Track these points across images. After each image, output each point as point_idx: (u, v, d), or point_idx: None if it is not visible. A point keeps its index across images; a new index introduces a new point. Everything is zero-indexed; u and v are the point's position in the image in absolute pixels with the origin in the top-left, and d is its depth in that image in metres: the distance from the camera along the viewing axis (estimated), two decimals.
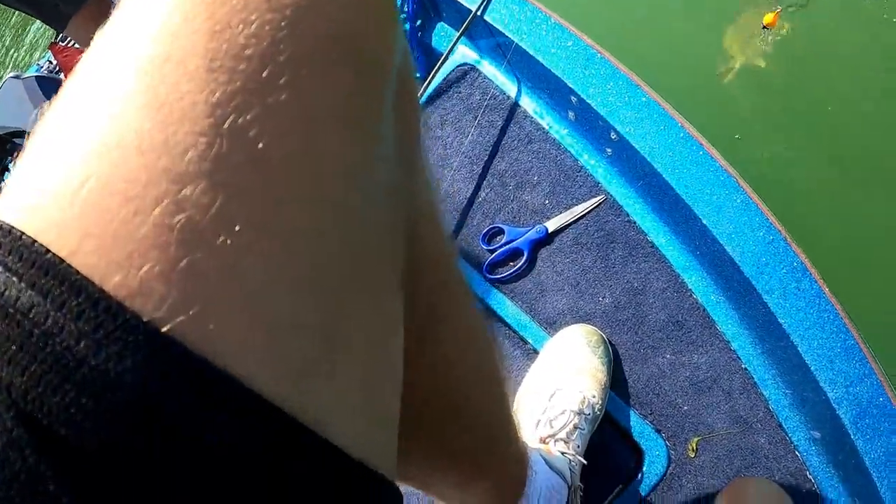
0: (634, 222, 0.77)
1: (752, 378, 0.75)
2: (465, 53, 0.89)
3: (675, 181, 0.74)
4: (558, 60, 0.79)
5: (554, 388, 0.70)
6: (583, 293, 0.76)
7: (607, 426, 0.74)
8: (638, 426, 0.74)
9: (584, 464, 0.68)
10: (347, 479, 0.20)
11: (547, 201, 0.79)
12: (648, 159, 0.75)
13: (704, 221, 0.72)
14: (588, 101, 0.77)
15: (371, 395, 0.23)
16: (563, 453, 0.65)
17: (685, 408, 0.74)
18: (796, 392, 0.74)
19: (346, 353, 0.21)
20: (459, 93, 0.87)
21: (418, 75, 0.90)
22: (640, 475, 0.73)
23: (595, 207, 0.78)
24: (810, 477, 0.75)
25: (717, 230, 0.72)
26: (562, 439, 0.66)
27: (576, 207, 0.78)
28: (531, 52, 0.81)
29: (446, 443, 0.41)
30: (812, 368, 0.70)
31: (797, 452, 0.75)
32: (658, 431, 0.74)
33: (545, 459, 0.62)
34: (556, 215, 0.78)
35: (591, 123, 0.79)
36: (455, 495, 0.50)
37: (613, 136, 0.77)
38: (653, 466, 0.73)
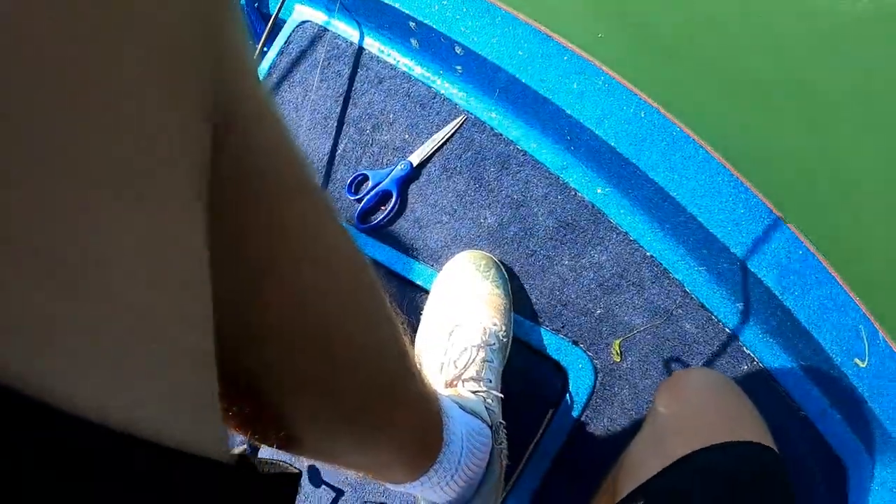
0: (500, 134, 0.72)
1: (661, 263, 0.69)
2: (302, 12, 0.84)
3: (529, 79, 0.69)
4: None
5: (452, 326, 0.64)
6: (462, 219, 0.70)
7: (521, 351, 0.68)
8: (553, 343, 0.68)
9: (501, 398, 0.62)
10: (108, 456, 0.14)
11: (407, 136, 0.74)
12: (499, 64, 0.70)
13: (569, 112, 0.68)
14: (426, 22, 0.72)
15: (145, 342, 0.16)
16: (475, 392, 0.59)
17: (598, 311, 0.68)
18: (710, 266, 0.69)
19: (83, 274, 0.14)
20: (302, 51, 0.82)
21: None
22: (568, 394, 0.67)
23: (457, 129, 0.73)
24: (749, 352, 0.70)
25: (584, 118, 0.67)
26: (471, 378, 0.60)
27: (437, 135, 0.73)
28: None
29: (336, 395, 0.33)
30: (719, 237, 0.65)
31: (728, 330, 0.70)
32: (576, 343, 0.68)
33: (458, 403, 0.55)
34: (418, 147, 0.72)
35: (434, 45, 0.74)
36: (364, 461, 0.42)
37: (459, 50, 0.72)
38: (580, 381, 0.68)
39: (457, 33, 0.71)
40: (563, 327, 0.68)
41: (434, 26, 0.72)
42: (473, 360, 0.60)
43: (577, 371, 0.67)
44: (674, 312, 0.69)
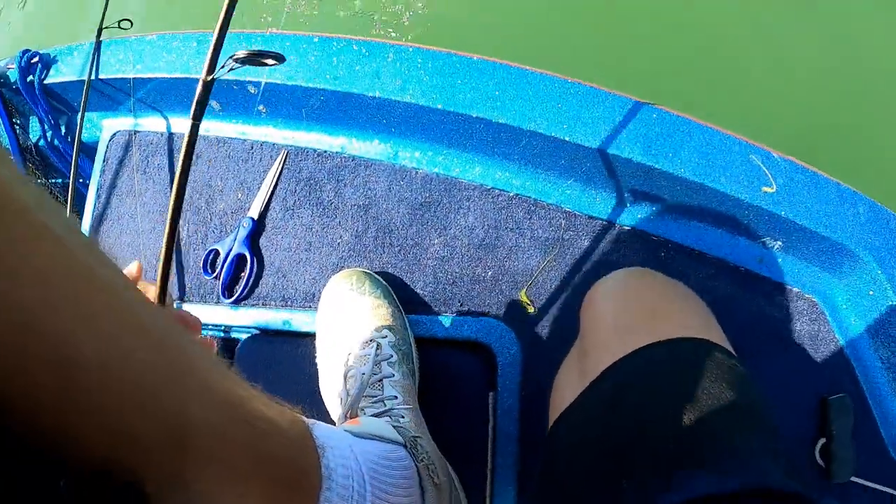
0: (324, 151, 0.69)
1: (529, 197, 0.65)
2: (110, 125, 0.82)
3: (326, 84, 0.66)
4: (170, 65, 0.73)
5: (345, 356, 0.59)
6: (320, 248, 0.67)
7: (433, 348, 0.63)
8: (462, 325, 0.63)
9: (410, 408, 0.56)
10: None
11: (240, 195, 0.71)
12: (296, 83, 0.67)
13: (373, 94, 0.64)
14: (216, 77, 0.70)
15: None
16: (378, 415, 0.54)
17: (489, 273, 0.64)
18: (575, 174, 0.65)
19: None
20: (121, 161, 0.79)
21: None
22: (500, 367, 0.62)
23: (282, 166, 0.70)
24: (658, 237, 0.65)
25: (388, 94, 0.64)
26: (371, 402, 0.55)
27: (266, 180, 0.69)
28: (149, 75, 0.74)
29: (88, 421, 0.27)
30: (568, 139, 0.61)
31: (626, 227, 0.65)
32: (483, 314, 0.63)
33: (352, 432, 0.49)
34: (253, 200, 0.69)
35: (230, 97, 0.72)
36: None
37: (252, 89, 0.70)
38: (507, 351, 0.62)
39: (247, 73, 0.69)
40: (461, 305, 0.64)
41: (224, 78, 0.70)
42: (367, 383, 0.55)
43: (497, 341, 0.62)
44: (564, 237, 0.64)
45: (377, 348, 0.57)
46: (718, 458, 0.31)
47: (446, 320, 0.63)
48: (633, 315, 0.45)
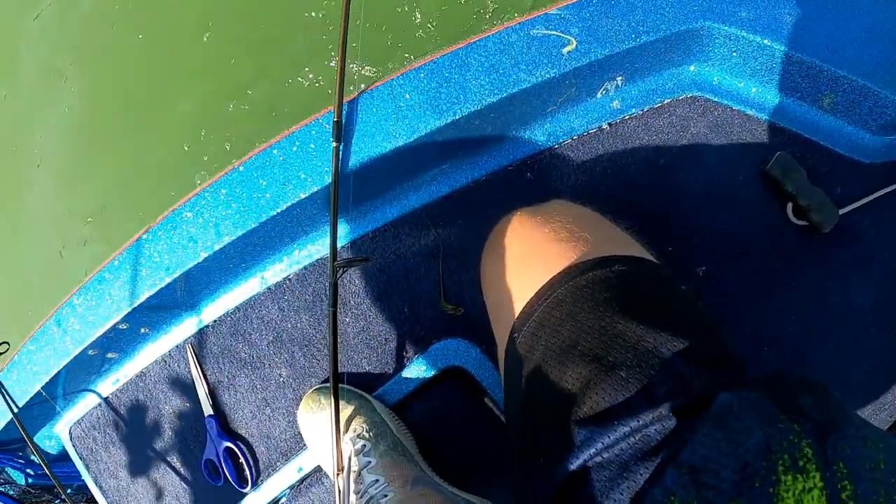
0: (213, 321, 0.71)
1: (385, 224, 0.66)
2: (60, 429, 0.85)
3: (168, 273, 0.67)
4: (56, 356, 0.74)
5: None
6: (275, 397, 0.69)
7: (414, 402, 0.65)
8: (420, 368, 0.65)
9: (388, 483, 0.58)
10: None
11: (188, 404, 0.73)
12: (151, 292, 0.68)
13: (202, 256, 0.65)
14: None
15: None
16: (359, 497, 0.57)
17: (406, 310, 0.65)
18: (400, 177, 0.65)
19: None
20: (91, 448, 0.82)
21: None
22: (475, 374, 0.64)
23: (196, 358, 0.72)
24: (511, 165, 0.66)
25: (208, 247, 0.65)
26: (359, 499, 0.58)
27: (195, 378, 0.72)
28: (48, 376, 0.76)
29: None
30: (373, 157, 0.61)
31: (481, 179, 0.65)
32: (429, 347, 0.65)
33: None
34: (200, 400, 0.72)
35: (111, 341, 0.74)
36: None
37: (124, 325, 0.71)
38: (470, 359, 0.64)
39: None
40: (407, 353, 0.65)
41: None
42: (348, 486, 0.58)
43: (456, 356, 0.64)
44: (439, 232, 0.65)
45: (352, 445, 0.60)
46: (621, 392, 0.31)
47: (407, 373, 0.65)
48: (506, 273, 0.45)
